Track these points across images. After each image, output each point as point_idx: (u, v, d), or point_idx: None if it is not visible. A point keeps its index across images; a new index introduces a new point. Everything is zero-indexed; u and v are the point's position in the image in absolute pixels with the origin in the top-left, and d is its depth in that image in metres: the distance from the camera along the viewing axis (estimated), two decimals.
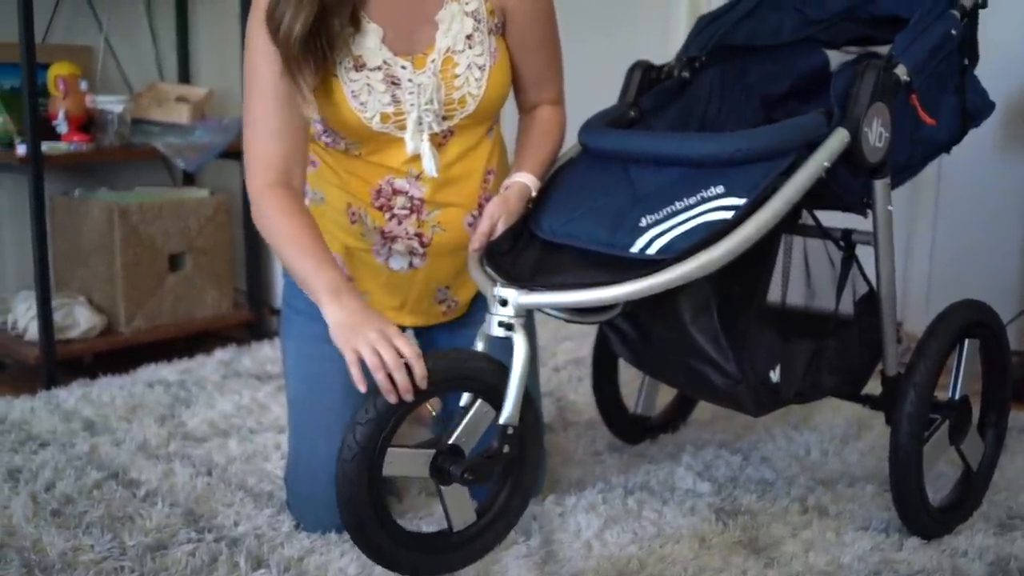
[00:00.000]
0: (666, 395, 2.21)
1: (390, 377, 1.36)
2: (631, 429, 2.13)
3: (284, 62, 1.54)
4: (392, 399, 1.37)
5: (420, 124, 1.61)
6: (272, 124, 1.59)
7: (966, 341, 1.76)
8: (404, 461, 1.44)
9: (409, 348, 1.38)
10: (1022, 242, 2.73)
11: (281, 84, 1.56)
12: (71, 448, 2.08)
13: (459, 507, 1.49)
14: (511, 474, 1.52)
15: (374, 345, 1.37)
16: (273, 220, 1.56)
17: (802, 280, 1.86)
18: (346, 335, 1.41)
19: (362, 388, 1.39)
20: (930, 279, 2.88)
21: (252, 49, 1.59)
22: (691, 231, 1.42)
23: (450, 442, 1.44)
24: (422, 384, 1.38)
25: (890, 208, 1.66)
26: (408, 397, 1.37)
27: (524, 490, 1.54)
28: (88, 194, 2.85)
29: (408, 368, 1.37)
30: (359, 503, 1.40)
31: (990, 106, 1.81)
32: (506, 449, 1.46)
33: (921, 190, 2.85)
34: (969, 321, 1.74)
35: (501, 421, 1.46)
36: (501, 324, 1.44)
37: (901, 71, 1.59)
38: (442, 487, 1.46)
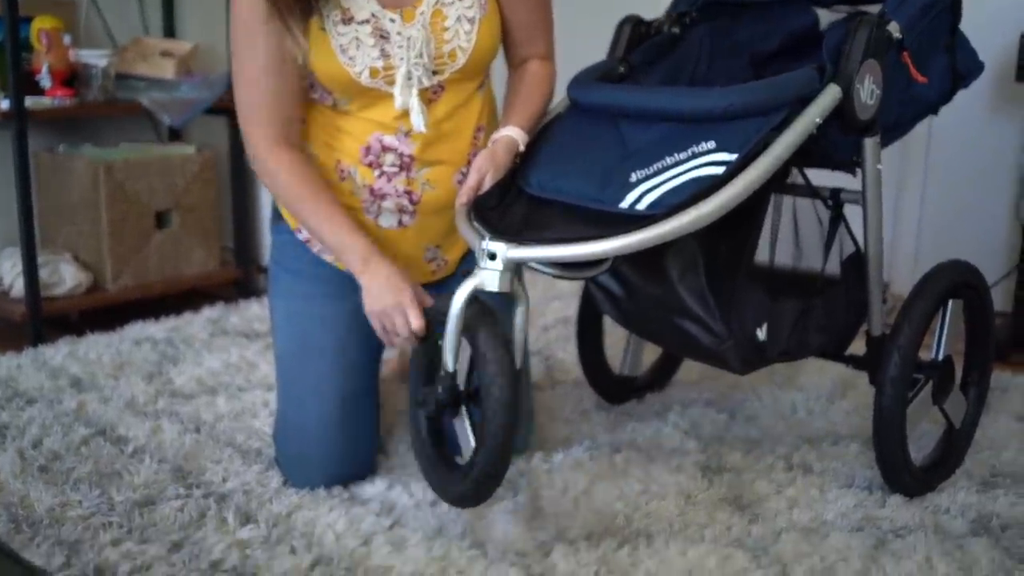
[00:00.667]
0: (651, 355, 2.22)
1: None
2: (616, 390, 2.14)
3: (271, 1, 1.53)
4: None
5: (409, 79, 1.59)
6: (268, 79, 1.58)
7: (950, 302, 1.76)
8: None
9: (408, 327, 1.56)
10: (1010, 203, 2.74)
11: (272, 37, 1.55)
12: (58, 405, 2.08)
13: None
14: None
15: (399, 320, 1.56)
16: (287, 182, 1.61)
17: (790, 239, 1.86)
18: (376, 304, 1.59)
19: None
20: (918, 240, 2.89)
21: (239, 4, 1.56)
22: (681, 186, 1.42)
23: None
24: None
25: (879, 167, 1.66)
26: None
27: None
28: (72, 150, 2.83)
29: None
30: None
31: (980, 67, 1.80)
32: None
33: (911, 151, 2.84)
34: (954, 282, 1.75)
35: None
36: (492, 278, 1.44)
37: (894, 28, 1.58)
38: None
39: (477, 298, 1.48)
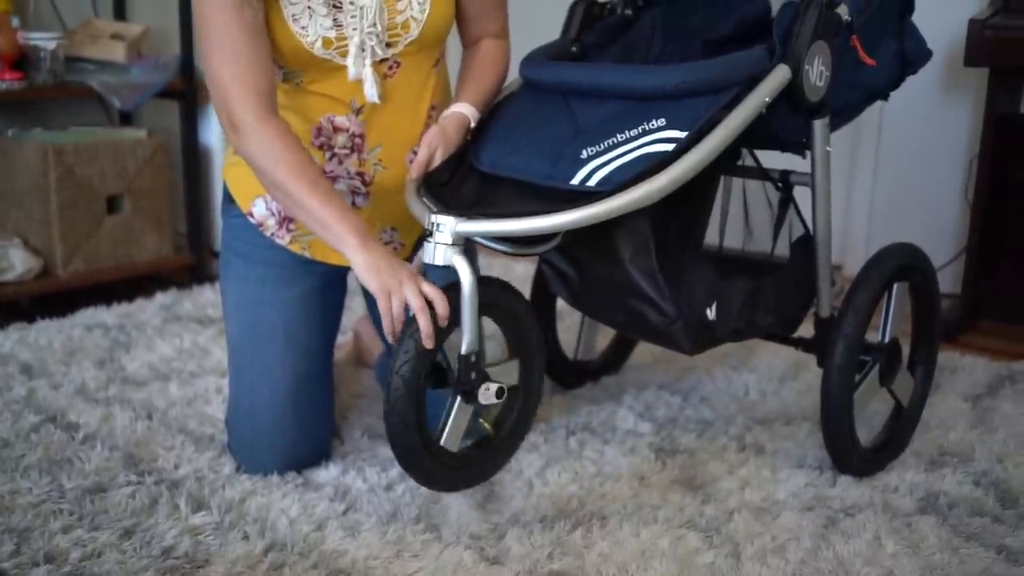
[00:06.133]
0: (605, 339, 2.23)
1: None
2: (571, 374, 2.15)
3: None
4: (429, 344, 1.44)
5: (363, 50, 1.58)
6: (240, 47, 1.51)
7: (895, 285, 1.79)
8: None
9: (435, 290, 1.45)
10: (960, 186, 2.78)
11: (239, 6, 1.50)
12: (8, 392, 2.05)
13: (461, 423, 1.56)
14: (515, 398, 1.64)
15: (409, 294, 1.43)
16: (282, 152, 1.51)
17: (740, 221, 1.87)
18: (381, 279, 1.46)
19: (393, 340, 1.46)
20: (870, 222, 2.93)
21: None
22: (631, 163, 1.42)
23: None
24: (444, 324, 1.45)
25: (828, 149, 1.67)
26: (429, 340, 1.44)
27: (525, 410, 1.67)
28: (21, 134, 2.78)
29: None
30: (410, 436, 1.48)
31: (928, 54, 1.82)
32: (472, 376, 1.50)
33: (863, 134, 2.88)
34: (898, 266, 1.77)
35: (462, 351, 1.48)
36: (440, 251, 1.44)
37: (843, 10, 1.59)
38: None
39: (488, 278, 1.50)
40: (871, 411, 1.89)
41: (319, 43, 1.58)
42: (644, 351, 2.31)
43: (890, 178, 2.88)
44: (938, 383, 2.08)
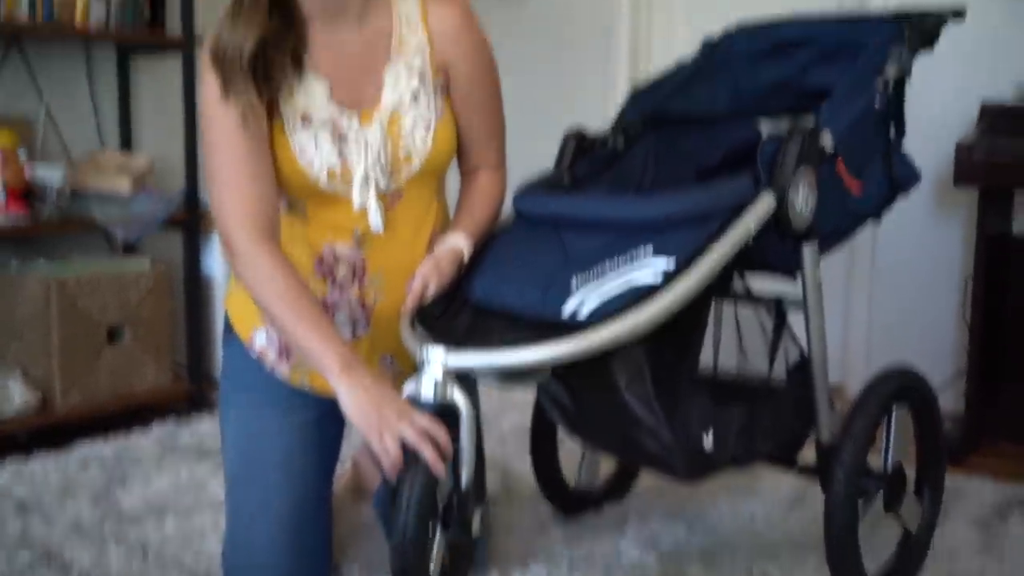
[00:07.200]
0: (608, 465, 2.20)
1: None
2: (573, 503, 2.11)
3: (224, 85, 1.54)
4: (442, 474, 1.41)
5: (367, 181, 1.61)
6: (243, 174, 1.56)
7: (894, 408, 1.76)
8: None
9: (431, 422, 1.42)
10: (958, 305, 2.79)
11: (244, 132, 1.55)
12: (2, 528, 2.02)
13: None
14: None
15: (403, 430, 1.40)
16: (271, 278, 1.54)
17: (734, 346, 1.87)
18: (369, 422, 1.44)
19: (393, 478, 1.42)
20: (869, 342, 2.93)
21: (208, 104, 1.58)
22: (621, 294, 1.43)
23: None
24: (448, 452, 1.42)
25: (819, 273, 1.68)
26: (441, 469, 1.40)
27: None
28: (24, 267, 2.81)
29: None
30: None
31: (916, 175, 1.85)
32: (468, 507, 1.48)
33: (857, 255, 2.90)
34: (895, 390, 1.75)
35: (463, 484, 1.46)
36: (431, 384, 1.43)
37: (827, 138, 1.62)
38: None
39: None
40: (878, 538, 1.86)
41: (324, 174, 1.61)
42: (648, 476, 2.28)
43: (887, 298, 2.89)
44: (944, 507, 2.04)
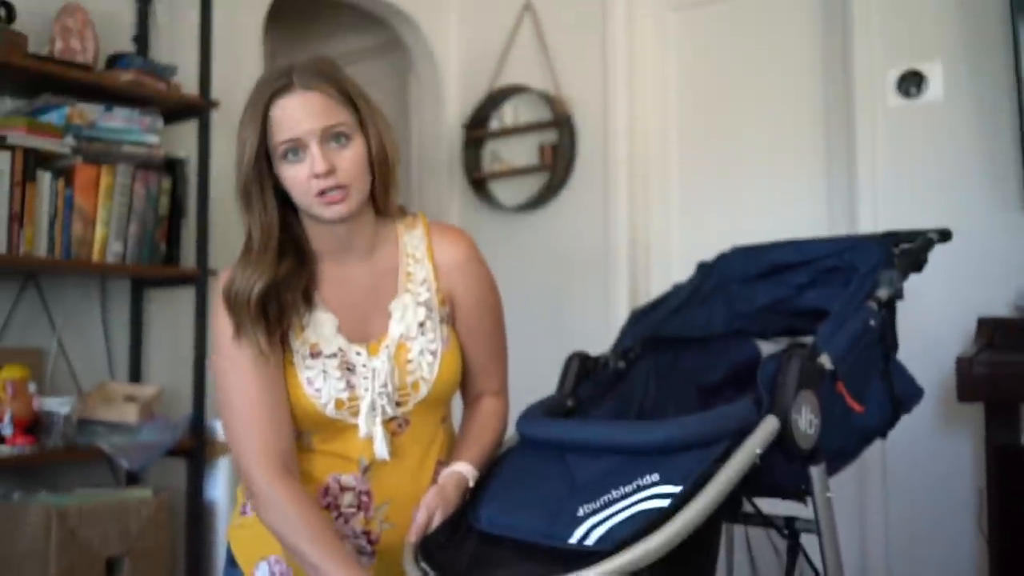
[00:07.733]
0: None
1: None
2: None
3: (237, 326, 1.58)
4: None
5: (373, 409, 1.62)
6: (259, 410, 1.59)
7: None
8: None
9: None
10: (974, 517, 2.73)
11: (257, 371, 1.58)
12: None
13: None
14: None
15: None
16: (291, 515, 1.54)
17: (748, 570, 1.83)
18: None
19: None
20: (887, 560, 2.85)
21: (223, 343, 1.61)
22: (628, 520, 1.41)
23: None
24: None
25: (829, 495, 1.66)
26: None
27: None
28: (27, 498, 2.78)
29: None
30: None
31: (919, 392, 1.86)
32: None
33: (868, 474, 2.87)
34: None
35: None
36: None
37: (825, 360, 1.64)
38: None
39: None
40: None
41: (332, 404, 1.62)
42: None
43: (902, 515, 2.84)
44: None
